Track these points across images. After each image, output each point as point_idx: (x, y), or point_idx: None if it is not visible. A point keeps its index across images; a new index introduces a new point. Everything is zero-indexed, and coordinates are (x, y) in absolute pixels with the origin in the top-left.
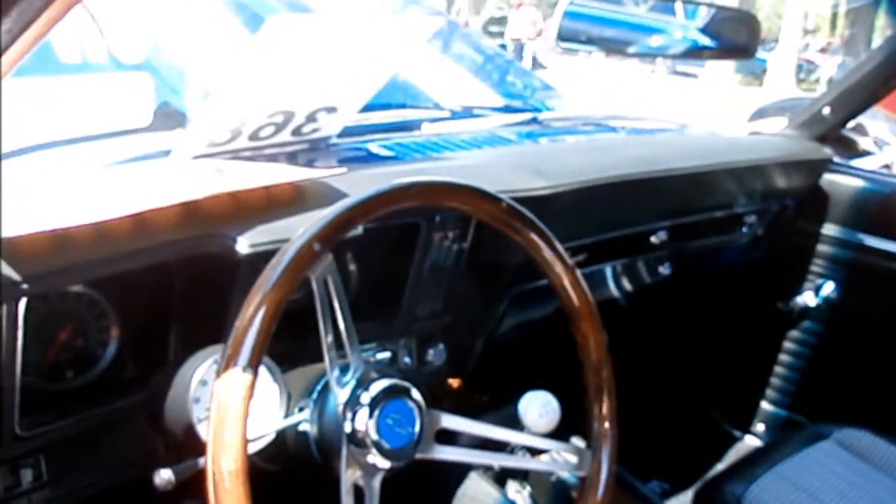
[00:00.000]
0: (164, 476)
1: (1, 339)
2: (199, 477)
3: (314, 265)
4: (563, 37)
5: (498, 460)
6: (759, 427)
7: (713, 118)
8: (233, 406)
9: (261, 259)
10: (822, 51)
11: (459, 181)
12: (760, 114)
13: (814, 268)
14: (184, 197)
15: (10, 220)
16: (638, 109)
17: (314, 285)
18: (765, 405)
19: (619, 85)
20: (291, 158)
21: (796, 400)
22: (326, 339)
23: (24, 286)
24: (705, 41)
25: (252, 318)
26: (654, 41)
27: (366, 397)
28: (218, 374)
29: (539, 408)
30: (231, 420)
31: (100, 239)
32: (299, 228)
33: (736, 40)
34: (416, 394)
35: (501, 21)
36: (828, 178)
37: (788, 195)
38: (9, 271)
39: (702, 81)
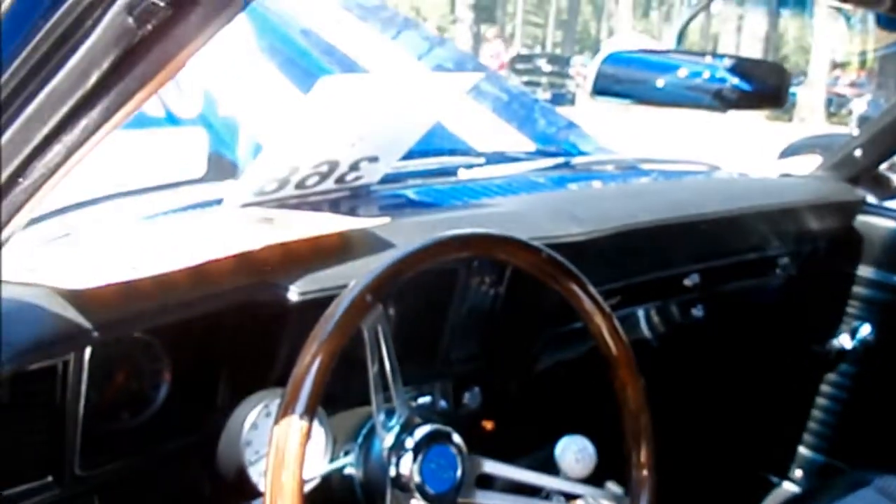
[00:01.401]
0: None
1: (67, 384)
2: None
3: (366, 316)
4: (598, 90)
5: None
6: (798, 473)
7: (742, 156)
8: (291, 450)
9: (310, 307)
10: (853, 85)
11: (501, 233)
12: (791, 150)
13: (850, 310)
14: (238, 248)
15: (79, 272)
16: (668, 151)
17: (365, 335)
18: (802, 450)
19: (646, 120)
20: (334, 206)
21: (835, 445)
22: (374, 385)
23: (94, 334)
24: (735, 81)
25: (309, 366)
26: (682, 75)
27: (410, 442)
28: (277, 419)
29: (576, 452)
30: (289, 464)
31: (160, 289)
32: (347, 277)
33: (766, 85)
34: (457, 438)
35: (528, 59)
36: (861, 219)
37: (821, 237)
38: (80, 319)
39: (729, 115)
